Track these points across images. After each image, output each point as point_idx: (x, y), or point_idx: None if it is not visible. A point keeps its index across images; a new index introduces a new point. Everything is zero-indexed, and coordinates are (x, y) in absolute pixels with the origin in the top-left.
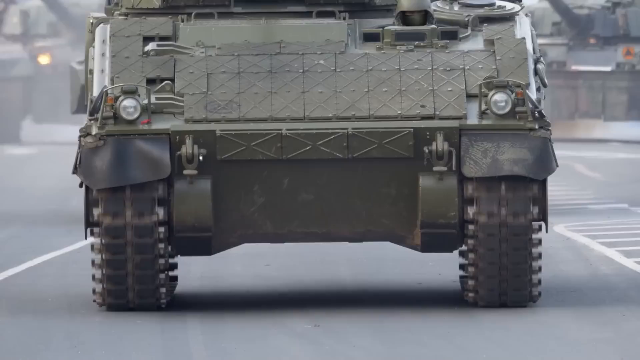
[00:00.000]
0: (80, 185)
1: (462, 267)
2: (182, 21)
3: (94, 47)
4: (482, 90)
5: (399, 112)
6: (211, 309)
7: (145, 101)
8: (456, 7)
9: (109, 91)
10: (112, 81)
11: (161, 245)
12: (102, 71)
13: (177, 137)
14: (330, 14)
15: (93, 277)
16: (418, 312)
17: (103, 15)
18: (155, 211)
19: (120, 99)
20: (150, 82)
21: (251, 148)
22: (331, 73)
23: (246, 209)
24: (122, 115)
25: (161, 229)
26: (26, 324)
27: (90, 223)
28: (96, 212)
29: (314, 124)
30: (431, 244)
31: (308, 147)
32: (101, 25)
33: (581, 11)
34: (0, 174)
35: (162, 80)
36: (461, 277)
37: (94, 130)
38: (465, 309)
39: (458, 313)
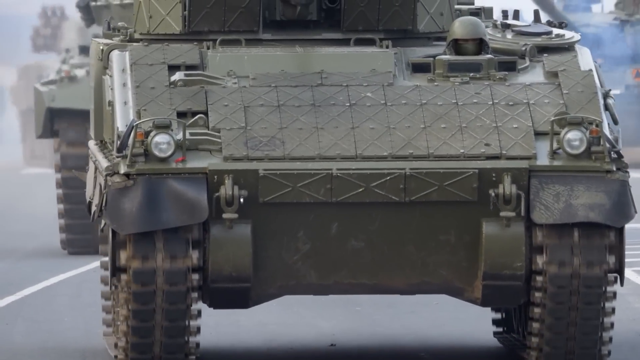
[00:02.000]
0: (102, 230)
1: (496, 322)
2: (208, 48)
3: (110, 76)
4: (554, 128)
5: (462, 150)
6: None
7: (179, 137)
8: (509, 35)
9: (138, 125)
10: (138, 114)
11: (194, 295)
12: (125, 103)
13: (216, 176)
14: (370, 42)
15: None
16: None
17: (111, 41)
18: (189, 254)
19: (152, 134)
20: (181, 115)
21: (297, 189)
22: (381, 107)
23: (289, 257)
24: (154, 153)
25: (195, 276)
26: (42, 344)
27: (116, 268)
28: (123, 255)
29: (368, 164)
30: (493, 297)
31: (361, 189)
32: (116, 52)
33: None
34: (16, 194)
35: (194, 113)
36: (497, 333)
37: (123, 169)
38: None
39: None
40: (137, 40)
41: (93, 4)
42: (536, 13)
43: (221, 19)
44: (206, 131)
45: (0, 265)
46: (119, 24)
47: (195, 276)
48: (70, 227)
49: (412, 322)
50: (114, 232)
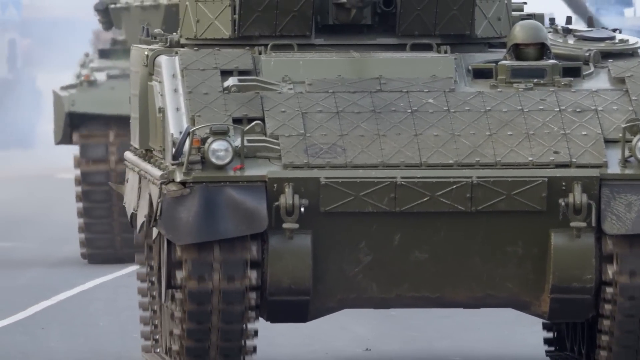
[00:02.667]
0: (153, 242)
1: (547, 342)
2: (259, 53)
3: (159, 82)
4: (625, 135)
5: (530, 158)
6: None
7: (237, 143)
8: (571, 41)
9: (194, 132)
10: (192, 121)
11: (251, 314)
12: (178, 109)
13: (275, 185)
14: (427, 47)
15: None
16: None
17: (156, 46)
18: (247, 274)
19: (209, 141)
20: (237, 122)
21: (360, 198)
22: (444, 114)
23: (350, 269)
24: (212, 160)
25: (252, 295)
26: (77, 348)
27: (173, 263)
28: (179, 275)
29: (433, 172)
30: (561, 311)
31: (426, 199)
32: (164, 57)
33: None
34: (51, 199)
35: (250, 120)
36: (549, 352)
37: (179, 177)
38: None
39: None
40: (183, 46)
41: (112, 6)
42: (590, 19)
43: (272, 23)
44: (264, 138)
45: (36, 270)
46: (156, 30)
47: (253, 295)
48: (90, 241)
49: (446, 327)
50: (169, 247)
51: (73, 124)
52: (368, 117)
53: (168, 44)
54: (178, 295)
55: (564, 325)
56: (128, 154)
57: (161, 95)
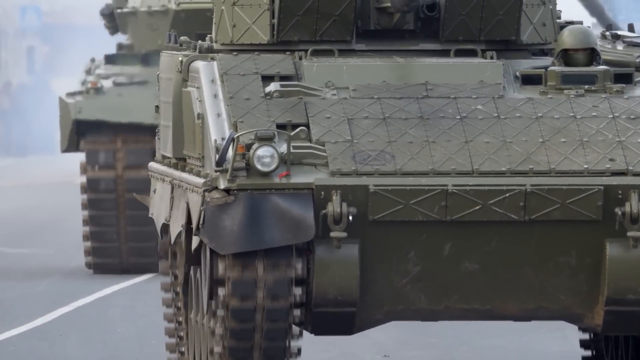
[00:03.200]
0: (193, 251)
1: (585, 359)
2: (300, 58)
3: (197, 87)
4: None
5: (585, 166)
6: None
7: (283, 150)
8: (620, 46)
9: (239, 138)
10: (235, 127)
11: (295, 330)
12: (219, 115)
13: (323, 192)
14: (471, 53)
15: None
16: None
17: (192, 52)
18: (293, 264)
19: (254, 147)
20: (280, 127)
21: (409, 207)
22: (494, 120)
23: (397, 280)
24: (257, 167)
25: (298, 290)
26: (95, 354)
27: (215, 280)
28: (221, 265)
29: (485, 179)
30: (615, 324)
31: (478, 207)
32: (202, 63)
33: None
34: (69, 205)
35: (294, 126)
36: None
37: (222, 184)
38: None
39: None
40: (217, 51)
41: (118, 11)
42: (630, 26)
43: (313, 27)
44: (310, 144)
45: (54, 276)
46: (182, 38)
47: (297, 312)
48: (97, 250)
49: (465, 333)
50: (212, 257)
51: (80, 132)
52: (416, 123)
53: (197, 50)
54: (220, 312)
55: (602, 344)
56: (154, 165)
57: (199, 101)
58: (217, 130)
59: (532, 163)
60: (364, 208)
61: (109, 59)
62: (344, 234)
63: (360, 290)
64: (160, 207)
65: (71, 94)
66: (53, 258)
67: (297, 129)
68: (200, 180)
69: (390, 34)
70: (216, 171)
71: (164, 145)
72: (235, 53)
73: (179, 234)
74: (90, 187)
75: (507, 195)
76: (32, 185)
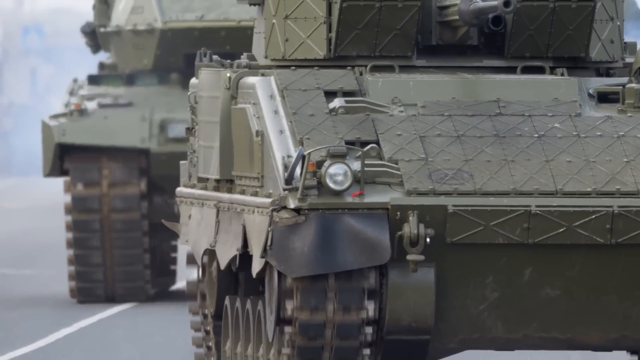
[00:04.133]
0: (257, 275)
1: None
2: (361, 74)
3: (253, 103)
4: None
5: None
6: None
7: (355, 167)
8: None
9: (310, 155)
10: (300, 143)
11: (366, 352)
12: (281, 132)
13: (398, 213)
14: (539, 70)
15: None
16: None
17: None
18: (365, 305)
19: (326, 164)
20: (349, 145)
21: (490, 228)
22: (574, 139)
23: (474, 307)
24: (329, 185)
25: (368, 330)
26: None
27: (281, 320)
28: (289, 305)
29: (570, 200)
30: None
31: (562, 229)
32: (257, 78)
33: None
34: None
35: (363, 143)
36: None
37: (292, 204)
38: None
39: None
40: (267, 67)
41: (102, 30)
42: None
43: (372, 42)
44: (383, 162)
45: (56, 298)
46: (214, 57)
47: (369, 330)
48: (81, 274)
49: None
50: (279, 277)
51: (63, 156)
52: (492, 141)
53: (235, 67)
54: (288, 329)
55: None
56: (185, 190)
57: (257, 117)
58: (281, 147)
59: (619, 183)
60: (441, 229)
61: (92, 80)
62: (422, 257)
63: (435, 317)
64: (198, 233)
65: (54, 117)
66: (56, 279)
67: (368, 147)
68: (266, 200)
69: (452, 49)
70: (284, 190)
71: (204, 167)
72: (293, 68)
73: (235, 258)
74: (75, 208)
75: (593, 217)
76: (35, 207)
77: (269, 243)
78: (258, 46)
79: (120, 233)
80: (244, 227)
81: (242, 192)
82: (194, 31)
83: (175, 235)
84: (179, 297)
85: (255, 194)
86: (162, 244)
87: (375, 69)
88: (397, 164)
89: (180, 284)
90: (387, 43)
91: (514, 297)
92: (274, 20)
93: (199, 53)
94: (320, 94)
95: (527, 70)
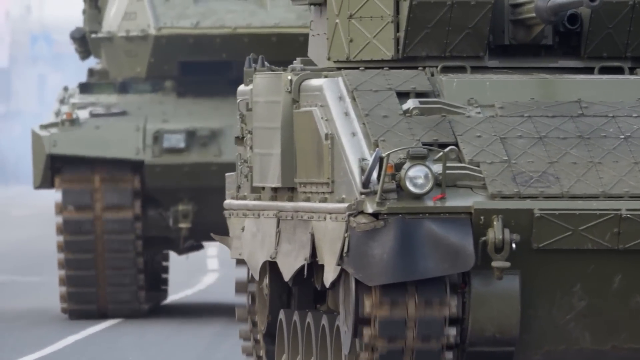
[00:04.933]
0: (328, 287)
1: None
2: (432, 75)
3: (320, 106)
4: None
5: None
6: None
7: (436, 170)
8: None
9: (390, 156)
10: (375, 146)
11: (449, 356)
12: (353, 134)
13: (482, 217)
14: (617, 71)
15: None
16: None
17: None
18: (447, 302)
19: (405, 166)
20: (427, 147)
21: (578, 233)
22: None
23: (560, 316)
24: (409, 188)
25: (452, 331)
26: None
27: (360, 319)
28: (368, 303)
29: None
30: None
31: None
32: (325, 80)
33: None
34: None
35: (441, 145)
36: None
37: (370, 208)
38: None
39: None
40: (329, 69)
41: (93, 36)
42: None
43: (443, 42)
44: (464, 165)
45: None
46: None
47: (450, 355)
48: (72, 278)
49: None
50: (356, 285)
51: (54, 167)
52: (576, 143)
53: (290, 71)
54: (364, 355)
55: None
56: (235, 202)
57: (326, 120)
58: (354, 150)
59: None
60: (527, 235)
61: (84, 88)
62: (507, 264)
63: (519, 327)
64: (254, 245)
65: (45, 126)
66: None
67: (447, 149)
68: (341, 206)
69: (525, 49)
70: (362, 194)
71: (261, 176)
72: (362, 68)
73: (302, 268)
74: (65, 202)
75: None
76: (43, 215)
77: (345, 250)
78: (316, 48)
79: (114, 254)
80: (313, 236)
81: (308, 200)
82: (189, 38)
83: (164, 247)
84: (174, 311)
85: (324, 200)
86: (153, 260)
87: (446, 69)
88: (478, 166)
89: (171, 300)
90: (458, 43)
91: (603, 306)
92: (337, 20)
93: (248, 59)
94: (392, 94)
95: (604, 70)
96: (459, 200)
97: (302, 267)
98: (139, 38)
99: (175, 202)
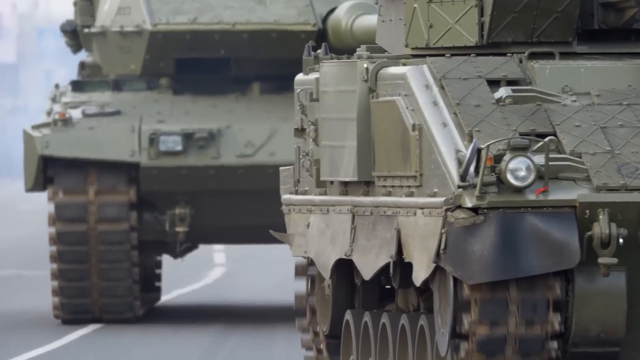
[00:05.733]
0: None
1: None
2: (520, 61)
3: (404, 95)
4: None
5: None
6: None
7: (538, 161)
8: None
9: (489, 148)
10: (469, 137)
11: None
12: (444, 125)
13: (587, 211)
14: None
15: None
16: None
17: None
18: (549, 318)
19: (506, 158)
20: (525, 137)
21: None
22: None
23: None
24: (510, 181)
25: (554, 344)
26: None
27: (457, 334)
28: (466, 320)
29: None
30: None
31: None
32: (408, 68)
33: None
34: None
35: (539, 135)
36: None
37: (469, 202)
38: None
39: None
40: (406, 57)
41: (86, 30)
42: None
43: (530, 27)
44: (566, 156)
45: None
46: (319, 51)
47: (554, 345)
48: (65, 290)
49: None
50: (455, 286)
51: (47, 169)
52: None
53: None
54: (464, 345)
55: None
56: (298, 197)
57: (412, 110)
58: (447, 141)
59: None
60: (634, 229)
61: (76, 86)
62: (614, 260)
63: (625, 326)
64: (322, 242)
65: (37, 126)
66: None
67: (547, 139)
68: (436, 200)
69: (615, 34)
70: (459, 187)
71: (331, 169)
72: (448, 55)
73: (388, 265)
74: (59, 217)
75: None
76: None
77: (442, 247)
78: (386, 34)
79: (108, 246)
80: (399, 232)
81: (389, 194)
82: (185, 34)
83: (160, 251)
84: (170, 313)
85: (411, 195)
86: (146, 260)
87: (533, 56)
88: (580, 157)
89: (165, 300)
90: (546, 27)
91: None
92: (415, 5)
93: (307, 46)
94: (482, 82)
95: None
96: (562, 193)
97: (386, 266)
98: (133, 34)
99: (172, 205)
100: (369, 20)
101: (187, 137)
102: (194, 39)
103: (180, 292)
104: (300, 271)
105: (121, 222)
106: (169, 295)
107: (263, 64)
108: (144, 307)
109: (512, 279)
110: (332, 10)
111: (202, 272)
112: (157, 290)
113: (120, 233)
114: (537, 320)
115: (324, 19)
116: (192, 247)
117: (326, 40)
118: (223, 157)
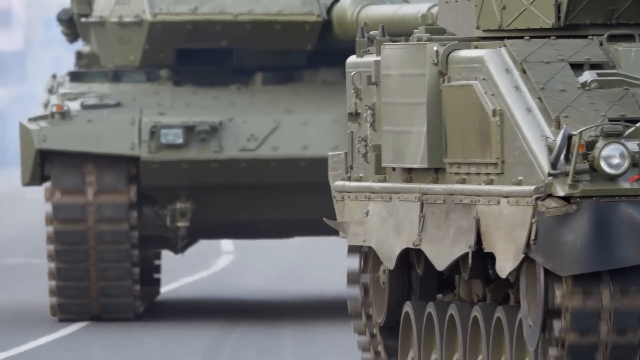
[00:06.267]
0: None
1: None
2: (601, 44)
3: (482, 79)
4: None
5: None
6: None
7: (632, 148)
8: None
9: (582, 134)
10: (557, 123)
11: None
12: (528, 110)
13: None
14: None
15: None
16: None
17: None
18: None
19: (599, 145)
20: (615, 123)
21: None
22: None
23: None
24: (604, 169)
25: None
26: None
27: (549, 311)
28: (557, 325)
29: None
30: None
31: None
32: (485, 51)
33: None
34: None
35: (629, 121)
36: None
37: (561, 191)
38: None
39: None
40: (477, 39)
41: (83, 20)
42: None
43: (609, 8)
44: None
45: None
46: (372, 32)
47: None
48: (62, 289)
49: None
50: (546, 278)
51: (44, 163)
52: None
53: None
54: (552, 352)
55: None
56: (353, 184)
57: (492, 95)
58: (532, 128)
59: None
60: None
61: (74, 76)
62: None
63: None
64: (385, 231)
65: (34, 119)
66: None
67: (638, 124)
68: (524, 188)
69: None
70: (550, 175)
71: (396, 155)
72: (527, 37)
73: (461, 259)
74: (56, 216)
75: None
76: None
77: (532, 237)
78: (450, 16)
79: (107, 245)
80: (478, 221)
81: (463, 182)
82: (186, 25)
83: (160, 246)
84: (171, 308)
85: (490, 182)
86: (145, 252)
87: (612, 38)
88: None
89: (174, 288)
90: (626, 9)
91: None
92: None
93: (361, 28)
94: (565, 66)
95: None
96: None
97: (464, 256)
98: (133, 24)
99: (173, 200)
100: (375, 10)
101: (189, 130)
102: (195, 30)
103: (188, 280)
104: (352, 279)
105: (121, 222)
106: (177, 284)
107: (266, 54)
108: (143, 304)
109: (604, 285)
110: (337, 1)
111: (210, 260)
112: (157, 283)
113: (119, 233)
114: (632, 291)
115: (329, 9)
116: (192, 241)
117: (331, 31)
118: (225, 150)
